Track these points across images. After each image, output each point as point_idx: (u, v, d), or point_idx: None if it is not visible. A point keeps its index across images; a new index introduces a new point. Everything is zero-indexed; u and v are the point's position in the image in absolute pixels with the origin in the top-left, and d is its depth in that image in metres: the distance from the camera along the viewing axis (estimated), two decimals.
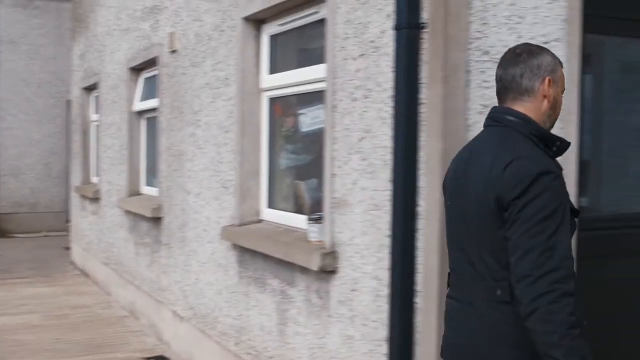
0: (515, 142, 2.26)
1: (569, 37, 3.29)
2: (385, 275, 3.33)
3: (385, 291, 3.32)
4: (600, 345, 3.63)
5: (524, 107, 2.33)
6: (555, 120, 2.42)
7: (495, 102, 3.07)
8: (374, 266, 3.47)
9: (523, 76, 2.33)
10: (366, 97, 3.50)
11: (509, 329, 2.24)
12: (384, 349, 3.34)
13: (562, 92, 2.41)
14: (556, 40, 3.25)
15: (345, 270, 3.70)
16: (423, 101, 3.09)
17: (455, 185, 2.43)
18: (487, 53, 3.09)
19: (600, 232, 3.73)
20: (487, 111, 3.05)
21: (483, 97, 3.09)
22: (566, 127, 3.28)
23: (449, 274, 2.53)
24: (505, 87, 2.37)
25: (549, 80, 2.33)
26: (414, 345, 3.17)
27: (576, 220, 2.36)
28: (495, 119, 2.38)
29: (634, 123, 4.21)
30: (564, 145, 2.36)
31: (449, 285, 2.54)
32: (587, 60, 3.87)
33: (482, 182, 2.26)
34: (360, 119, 3.55)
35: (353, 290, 3.65)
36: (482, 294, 2.30)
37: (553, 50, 3.20)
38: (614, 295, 3.70)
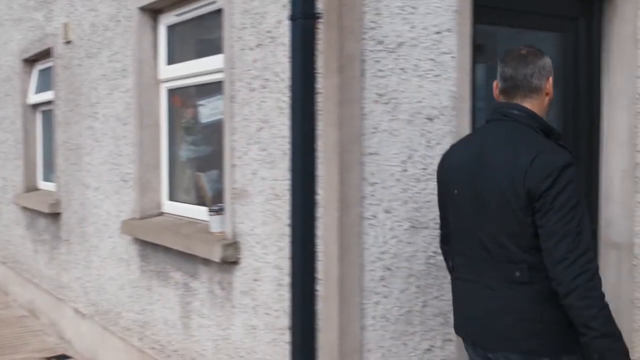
0: (530, 135, 2.53)
1: (460, 27, 3.38)
2: (286, 264, 3.35)
3: (287, 280, 3.34)
4: None
5: (531, 104, 2.60)
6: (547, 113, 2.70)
7: (390, 90, 3.17)
8: (275, 255, 3.49)
9: (533, 75, 2.59)
10: (264, 87, 3.50)
11: (524, 307, 2.49)
12: (287, 337, 3.36)
13: None
14: (448, 30, 3.34)
15: (247, 260, 3.71)
16: (319, 90, 3.11)
17: (466, 175, 2.63)
18: (381, 42, 3.15)
19: None
20: (382, 100, 3.15)
21: (378, 86, 3.14)
22: (459, 114, 3.38)
23: (452, 258, 2.77)
24: (516, 85, 2.61)
25: (551, 79, 2.64)
26: (315, 332, 3.21)
27: None
28: (504, 113, 2.61)
29: None
30: (558, 136, 2.64)
31: (452, 269, 2.78)
32: (480, 50, 3.99)
33: (507, 174, 2.48)
34: (258, 109, 3.55)
35: (255, 280, 3.65)
36: (499, 275, 2.53)
37: (444, 40, 3.33)
38: None
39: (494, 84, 2.70)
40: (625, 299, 4.09)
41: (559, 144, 2.58)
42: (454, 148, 2.80)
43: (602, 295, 2.39)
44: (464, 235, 2.67)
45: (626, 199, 4.10)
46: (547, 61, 2.63)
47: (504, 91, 2.65)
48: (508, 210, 2.48)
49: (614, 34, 4.20)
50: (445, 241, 2.87)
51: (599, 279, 2.40)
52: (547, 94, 2.63)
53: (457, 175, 2.68)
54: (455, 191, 2.68)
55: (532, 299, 2.48)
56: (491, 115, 2.68)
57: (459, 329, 2.79)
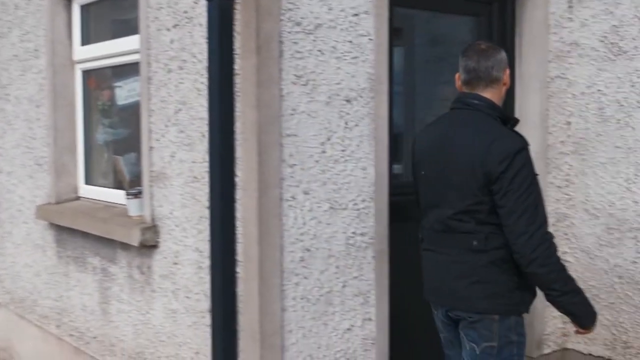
0: (489, 123, 2.81)
1: (377, 10, 3.41)
2: (206, 247, 3.33)
3: (207, 262, 3.33)
4: (405, 299, 3.85)
5: (491, 93, 2.86)
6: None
7: (308, 72, 3.18)
8: (195, 238, 3.46)
9: (493, 68, 2.85)
10: (181, 68, 3.46)
11: (480, 271, 2.80)
12: (208, 320, 3.36)
13: None
14: (365, 12, 3.36)
15: (167, 244, 3.67)
16: (237, 72, 3.09)
17: (434, 160, 2.90)
18: (299, 24, 3.15)
19: (409, 196, 3.93)
20: (300, 81, 3.16)
21: (296, 67, 3.15)
22: (376, 96, 3.41)
23: (421, 231, 3.04)
24: (478, 77, 2.86)
25: (508, 70, 2.91)
26: (236, 314, 3.21)
27: None
28: (466, 103, 2.87)
29: (442, 93, 4.46)
30: (515, 123, 2.95)
31: (422, 240, 3.05)
32: (398, 33, 4.04)
33: (467, 157, 2.75)
34: (175, 91, 3.51)
35: (175, 264, 3.62)
36: (458, 245, 2.84)
37: (362, 22, 3.36)
38: (418, 253, 3.91)
39: (456, 76, 2.94)
40: None
41: (514, 130, 2.88)
42: (423, 131, 3.07)
43: (559, 260, 2.74)
44: (430, 210, 2.95)
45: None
46: (504, 55, 2.90)
47: (466, 82, 2.89)
48: (468, 190, 2.76)
49: (526, 19, 4.32)
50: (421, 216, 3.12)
51: (555, 247, 2.74)
52: (504, 83, 2.90)
53: (424, 156, 2.97)
54: (422, 172, 2.97)
55: (487, 264, 2.79)
56: (455, 104, 2.93)
57: (427, 294, 3.06)
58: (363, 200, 3.42)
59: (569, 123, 4.41)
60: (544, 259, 2.70)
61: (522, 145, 2.74)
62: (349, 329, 3.42)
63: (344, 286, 3.38)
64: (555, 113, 4.41)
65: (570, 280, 2.80)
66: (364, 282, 3.45)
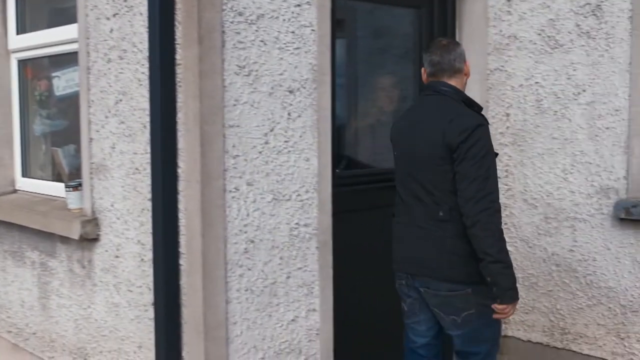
0: (454, 105, 3.13)
1: (320, 1, 3.41)
2: (148, 239, 3.29)
3: (149, 255, 3.29)
4: (349, 289, 3.88)
5: (455, 82, 3.20)
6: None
7: (251, 62, 3.17)
8: (137, 231, 3.42)
9: (455, 60, 3.19)
10: (121, 58, 3.40)
11: (446, 241, 3.07)
12: (151, 313, 3.32)
13: None
14: (307, 3, 3.36)
15: (108, 237, 3.61)
16: (179, 62, 3.06)
17: (406, 139, 3.22)
18: (241, 14, 3.12)
19: (354, 187, 3.96)
20: (243, 72, 3.15)
21: (239, 57, 3.13)
22: (319, 87, 3.42)
23: (395, 206, 3.31)
24: (443, 69, 3.19)
25: (468, 62, 3.27)
26: (180, 307, 3.18)
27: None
28: (435, 89, 3.19)
29: (383, 84, 4.49)
30: (479, 108, 3.25)
31: (394, 215, 3.31)
32: (341, 24, 4.05)
33: (433, 133, 3.06)
34: (116, 81, 3.45)
35: (116, 257, 3.57)
36: (426, 216, 3.12)
37: (304, 13, 3.36)
38: (361, 243, 3.96)
39: (422, 70, 3.26)
40: None
41: (477, 112, 3.19)
42: (401, 116, 3.40)
43: (501, 231, 3.01)
44: (402, 185, 3.25)
45: None
46: (462, 49, 3.26)
47: (432, 74, 3.22)
48: (433, 162, 3.06)
49: (466, 12, 4.39)
50: None
51: (499, 217, 3.01)
52: (465, 74, 3.25)
53: (399, 138, 3.29)
54: (395, 153, 3.28)
55: (452, 234, 3.05)
56: (425, 91, 3.26)
57: (396, 264, 3.30)
58: (307, 191, 3.43)
59: (507, 115, 4.49)
60: (485, 224, 2.95)
61: (482, 122, 3.06)
62: (293, 320, 3.43)
63: (288, 277, 3.39)
64: (494, 105, 4.49)
65: (505, 252, 3.01)
66: (308, 273, 3.46)
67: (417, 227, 3.16)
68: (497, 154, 3.15)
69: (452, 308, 3.12)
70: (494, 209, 2.98)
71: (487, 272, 2.99)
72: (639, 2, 3.99)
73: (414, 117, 3.25)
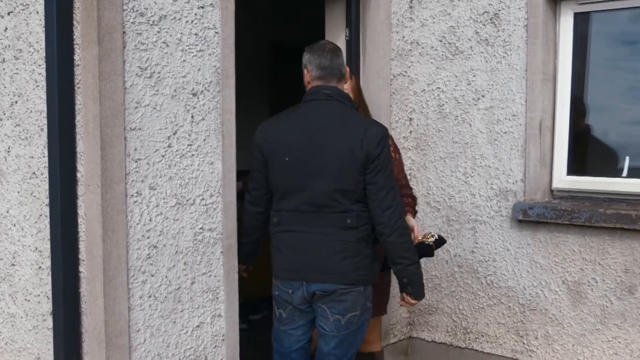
0: (352, 112, 3.16)
1: (223, 2, 3.39)
2: (46, 247, 3.18)
3: (47, 263, 3.18)
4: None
5: (341, 87, 3.20)
6: None
7: (153, 64, 3.12)
8: (34, 238, 3.30)
9: (342, 65, 3.21)
10: (16, 58, 3.28)
11: (352, 246, 3.11)
12: (50, 322, 3.21)
13: None
14: (211, 4, 3.33)
15: (3, 244, 3.47)
16: (77, 63, 2.97)
17: (298, 145, 3.10)
18: (142, 15, 3.07)
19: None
20: (145, 73, 3.10)
21: (140, 59, 3.07)
22: (223, 90, 3.40)
23: (277, 215, 3.21)
24: (332, 73, 3.16)
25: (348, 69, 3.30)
26: (80, 315, 3.09)
27: None
28: (327, 94, 3.14)
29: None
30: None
31: (278, 224, 3.21)
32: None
33: (344, 142, 3.03)
34: (11, 82, 3.32)
35: (12, 265, 3.43)
36: (331, 223, 3.10)
37: (208, 15, 3.33)
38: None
39: (305, 72, 3.19)
40: None
41: None
42: (273, 124, 3.23)
43: (410, 234, 3.24)
44: (294, 194, 3.13)
45: None
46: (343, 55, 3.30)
47: (320, 77, 3.15)
48: (345, 171, 3.05)
49: (370, 17, 4.46)
50: (257, 202, 3.30)
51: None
52: (345, 80, 3.27)
53: (286, 145, 3.12)
54: (287, 158, 3.12)
55: (356, 240, 3.12)
56: (312, 96, 3.16)
57: (287, 273, 3.21)
58: (211, 195, 3.39)
59: (411, 119, 4.58)
60: (403, 230, 3.11)
61: (387, 131, 3.16)
62: (198, 326, 3.39)
63: (192, 283, 3.34)
64: (398, 109, 4.57)
65: (416, 253, 3.22)
66: (213, 278, 3.42)
67: (318, 234, 3.12)
68: None
69: (342, 307, 3.15)
70: (402, 213, 3.15)
71: (404, 275, 3.17)
72: (534, 11, 4.15)
73: (310, 124, 3.12)
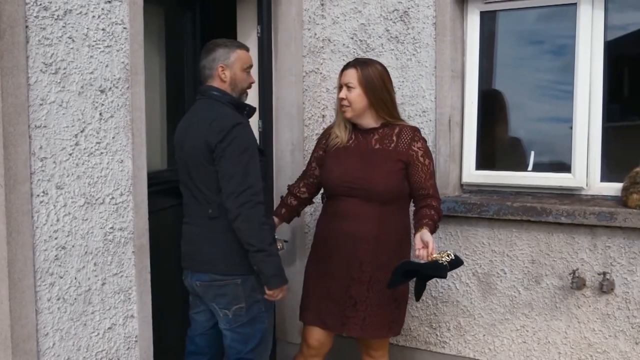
0: (216, 107, 3.37)
1: None
2: None
3: None
4: (168, 292, 3.81)
5: (219, 84, 3.44)
6: (241, 91, 3.51)
7: (58, 60, 3.05)
8: None
9: (214, 61, 3.43)
10: None
11: (217, 236, 3.34)
12: None
13: (243, 70, 3.48)
14: (118, 0, 3.26)
15: None
16: None
17: (179, 142, 3.47)
18: (46, 9, 2.97)
19: (163, 185, 3.88)
20: (50, 69, 3.02)
21: (45, 54, 2.97)
22: (132, 87, 3.33)
23: (183, 206, 3.54)
24: (205, 72, 3.46)
25: (222, 67, 3.43)
26: None
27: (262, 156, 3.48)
28: (203, 93, 3.46)
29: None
30: (251, 110, 3.53)
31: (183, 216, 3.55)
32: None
33: (198, 133, 3.32)
34: None
35: None
36: (201, 214, 3.38)
37: (115, 10, 3.26)
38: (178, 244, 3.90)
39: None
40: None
41: (243, 114, 3.44)
42: (182, 120, 3.58)
43: (261, 222, 3.25)
44: (184, 185, 3.49)
45: (297, 171, 4.38)
46: (216, 54, 3.44)
47: (204, 78, 3.49)
48: (200, 163, 3.31)
49: (281, 14, 4.46)
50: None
51: (260, 209, 3.24)
52: (220, 78, 3.43)
53: (176, 142, 3.51)
54: (176, 155, 3.51)
55: (221, 230, 3.30)
56: (197, 95, 3.51)
57: (182, 262, 3.57)
58: (121, 194, 3.32)
59: (324, 116, 4.60)
60: (246, 216, 3.20)
61: (238, 122, 3.28)
62: (110, 328, 3.31)
63: (103, 284, 3.26)
64: (310, 106, 4.59)
65: (267, 242, 3.27)
66: (124, 279, 3.35)
67: (194, 225, 3.44)
68: (262, 151, 3.49)
69: (225, 301, 3.37)
70: (255, 202, 3.23)
71: (253, 262, 3.29)
72: (442, 10, 4.23)
73: (187, 121, 3.49)
